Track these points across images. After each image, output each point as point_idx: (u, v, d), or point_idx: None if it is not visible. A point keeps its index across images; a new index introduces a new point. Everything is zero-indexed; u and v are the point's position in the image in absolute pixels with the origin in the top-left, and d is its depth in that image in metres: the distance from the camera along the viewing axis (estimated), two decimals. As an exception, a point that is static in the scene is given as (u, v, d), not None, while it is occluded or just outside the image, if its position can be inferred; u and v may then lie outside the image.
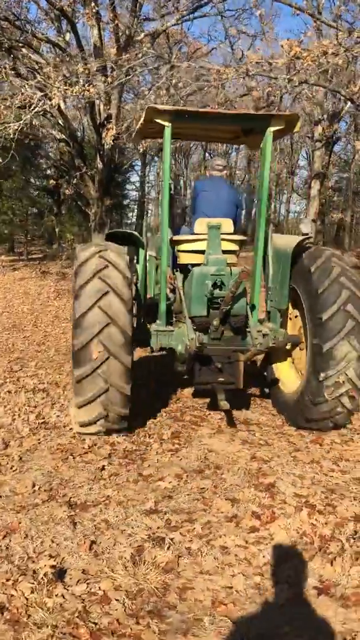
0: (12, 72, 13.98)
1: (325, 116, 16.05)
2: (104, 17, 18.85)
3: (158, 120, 4.40)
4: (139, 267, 5.12)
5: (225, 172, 5.33)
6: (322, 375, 4.21)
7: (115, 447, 4.17)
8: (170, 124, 4.40)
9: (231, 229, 4.80)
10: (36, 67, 13.10)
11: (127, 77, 12.40)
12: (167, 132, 4.43)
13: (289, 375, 5.08)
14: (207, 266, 4.57)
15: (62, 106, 22.11)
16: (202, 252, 4.74)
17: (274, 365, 5.23)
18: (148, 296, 5.26)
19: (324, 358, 4.21)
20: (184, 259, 4.98)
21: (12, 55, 14.34)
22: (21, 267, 20.57)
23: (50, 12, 21.35)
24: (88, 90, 10.28)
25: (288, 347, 4.96)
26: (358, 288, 4.27)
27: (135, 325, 4.51)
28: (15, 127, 10.82)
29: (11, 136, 10.94)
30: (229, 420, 4.79)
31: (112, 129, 10.03)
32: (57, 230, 23.05)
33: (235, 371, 4.45)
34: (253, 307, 4.83)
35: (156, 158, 37.10)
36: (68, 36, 16.96)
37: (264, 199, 4.73)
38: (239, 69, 7.34)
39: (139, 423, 4.68)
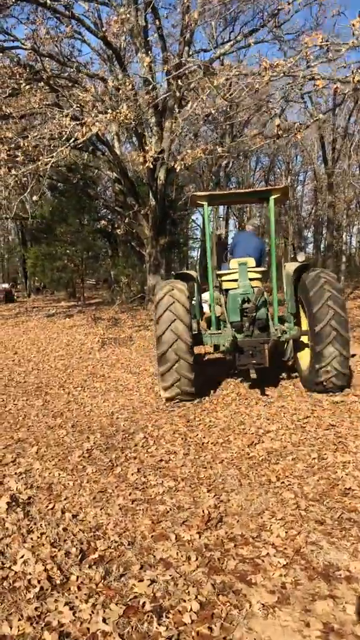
0: (51, 106, 13.11)
1: None
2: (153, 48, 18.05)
3: (198, 202, 7.04)
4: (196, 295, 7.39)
5: (256, 229, 8.47)
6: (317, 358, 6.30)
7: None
8: (206, 202, 7.02)
9: (254, 264, 7.12)
10: (80, 102, 12.06)
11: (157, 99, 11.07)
12: (206, 208, 7.12)
13: (305, 357, 6.99)
14: (236, 290, 6.81)
15: (116, 145, 21.47)
16: (235, 280, 6.97)
17: (297, 353, 7.36)
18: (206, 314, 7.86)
19: (316, 337, 6.24)
20: (225, 285, 7.21)
21: (53, 90, 13.48)
22: (75, 314, 19.49)
23: (102, 53, 20.95)
24: (116, 115, 8.91)
25: (303, 338, 7.02)
26: (336, 290, 6.30)
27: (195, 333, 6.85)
28: (48, 160, 9.66)
29: (42, 168, 9.77)
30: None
31: (152, 149, 8.52)
32: (112, 273, 22.02)
33: (262, 355, 6.52)
34: (273, 313, 7.07)
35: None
36: (121, 75, 16.10)
37: (273, 244, 7.25)
38: (294, 59, 5.70)
39: (143, 581, 2.87)
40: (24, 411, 6.60)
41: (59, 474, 4.38)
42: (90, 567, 3.00)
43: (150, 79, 9.53)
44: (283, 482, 4.15)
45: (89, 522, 3.54)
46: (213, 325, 7.14)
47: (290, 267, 7.11)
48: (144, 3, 14.90)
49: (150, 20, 17.50)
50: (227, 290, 7.08)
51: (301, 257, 7.17)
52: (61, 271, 21.55)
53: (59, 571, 2.94)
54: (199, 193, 7.12)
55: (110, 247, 22.52)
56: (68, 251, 20.66)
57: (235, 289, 6.86)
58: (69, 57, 16.20)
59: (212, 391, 7.23)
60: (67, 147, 9.50)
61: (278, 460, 4.61)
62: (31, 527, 3.45)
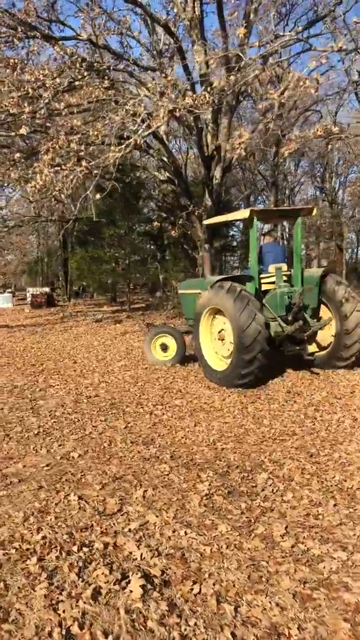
0: (118, 94, 12.32)
1: None
2: (210, 41, 17.19)
3: (253, 217, 8.14)
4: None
5: (276, 240, 9.97)
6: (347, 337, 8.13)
7: None
8: (256, 217, 8.20)
9: (286, 268, 8.61)
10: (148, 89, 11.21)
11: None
12: (255, 221, 8.21)
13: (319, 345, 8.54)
14: (282, 289, 8.18)
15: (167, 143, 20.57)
16: (272, 282, 8.44)
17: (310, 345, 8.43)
18: None
19: (348, 322, 8.10)
20: (264, 287, 8.43)
21: (109, 81, 12.66)
22: (124, 319, 18.67)
23: (151, 50, 20.20)
24: (196, 98, 7.96)
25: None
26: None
27: None
28: (118, 150, 8.80)
29: (111, 161, 8.89)
30: None
31: (244, 135, 7.50)
32: (161, 277, 21.08)
33: (304, 342, 8.11)
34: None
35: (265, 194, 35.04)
36: (170, 71, 15.26)
37: (298, 252, 8.54)
38: None
39: None
40: (107, 435, 5.65)
41: (186, 533, 3.39)
42: None
43: (241, 55, 8.54)
44: None
45: (259, 621, 2.54)
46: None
47: (313, 271, 8.66)
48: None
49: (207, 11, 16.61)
50: (264, 291, 8.36)
51: (324, 263, 9.41)
52: (108, 274, 20.70)
53: None
54: (256, 208, 8.87)
55: (159, 250, 21.62)
56: (116, 254, 19.80)
57: (275, 289, 8.20)
58: (122, 56, 15.46)
59: (317, 414, 6.20)
60: (139, 137, 8.62)
61: None
62: (185, 629, 2.46)
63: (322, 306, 8.48)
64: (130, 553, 3.13)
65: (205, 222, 11.52)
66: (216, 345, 8.26)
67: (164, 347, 9.76)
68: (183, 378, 8.59)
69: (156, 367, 9.51)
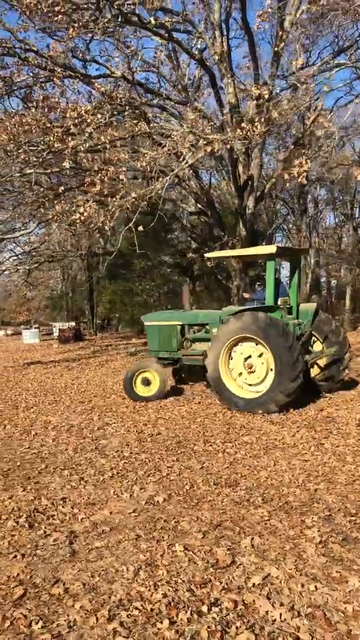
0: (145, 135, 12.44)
1: None
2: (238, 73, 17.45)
3: (277, 253, 8.80)
4: None
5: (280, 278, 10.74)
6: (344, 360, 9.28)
7: None
8: (275, 252, 8.67)
9: (289, 301, 9.36)
10: (169, 133, 11.30)
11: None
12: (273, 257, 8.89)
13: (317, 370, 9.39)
14: (292, 321, 8.93)
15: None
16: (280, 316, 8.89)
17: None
18: None
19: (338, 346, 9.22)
20: None
21: (142, 116, 12.82)
22: (157, 352, 18.44)
23: (177, 84, 20.57)
24: (249, 131, 7.92)
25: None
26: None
27: None
28: (164, 181, 8.80)
29: (156, 192, 8.89)
30: None
31: (305, 163, 7.38)
32: (193, 308, 21.00)
33: (309, 371, 8.96)
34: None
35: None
36: (197, 105, 15.49)
37: (294, 289, 9.54)
38: None
39: None
40: (186, 477, 5.40)
41: (317, 588, 3.12)
42: None
43: (298, 84, 8.54)
44: None
45: None
46: None
47: (308, 306, 9.62)
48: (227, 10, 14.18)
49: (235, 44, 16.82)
50: None
51: (316, 300, 9.10)
52: (140, 307, 20.65)
53: None
54: (280, 245, 9.43)
55: (190, 281, 21.57)
56: (147, 287, 19.78)
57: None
58: (154, 91, 15.73)
59: None
60: (185, 166, 8.62)
61: None
62: None
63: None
64: (267, 612, 2.87)
65: (208, 255, 10.44)
66: (242, 374, 8.51)
67: (146, 382, 9.70)
68: (241, 412, 8.32)
69: (210, 402, 9.27)
